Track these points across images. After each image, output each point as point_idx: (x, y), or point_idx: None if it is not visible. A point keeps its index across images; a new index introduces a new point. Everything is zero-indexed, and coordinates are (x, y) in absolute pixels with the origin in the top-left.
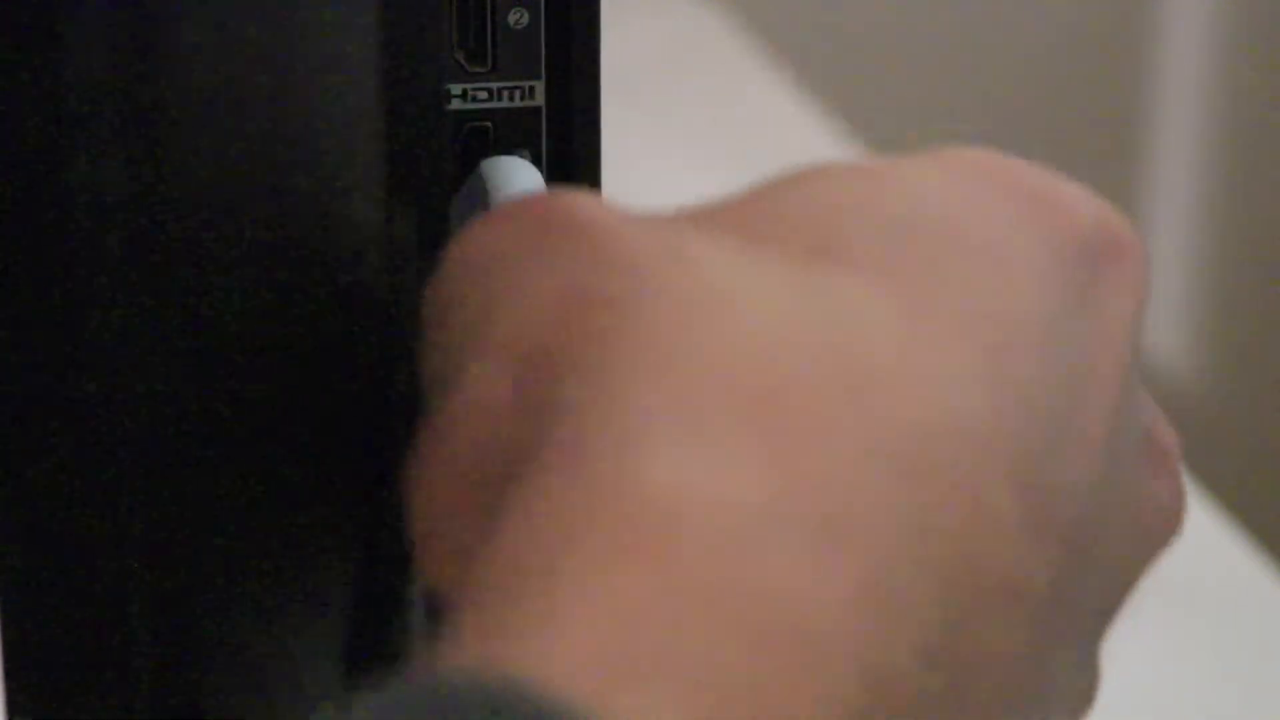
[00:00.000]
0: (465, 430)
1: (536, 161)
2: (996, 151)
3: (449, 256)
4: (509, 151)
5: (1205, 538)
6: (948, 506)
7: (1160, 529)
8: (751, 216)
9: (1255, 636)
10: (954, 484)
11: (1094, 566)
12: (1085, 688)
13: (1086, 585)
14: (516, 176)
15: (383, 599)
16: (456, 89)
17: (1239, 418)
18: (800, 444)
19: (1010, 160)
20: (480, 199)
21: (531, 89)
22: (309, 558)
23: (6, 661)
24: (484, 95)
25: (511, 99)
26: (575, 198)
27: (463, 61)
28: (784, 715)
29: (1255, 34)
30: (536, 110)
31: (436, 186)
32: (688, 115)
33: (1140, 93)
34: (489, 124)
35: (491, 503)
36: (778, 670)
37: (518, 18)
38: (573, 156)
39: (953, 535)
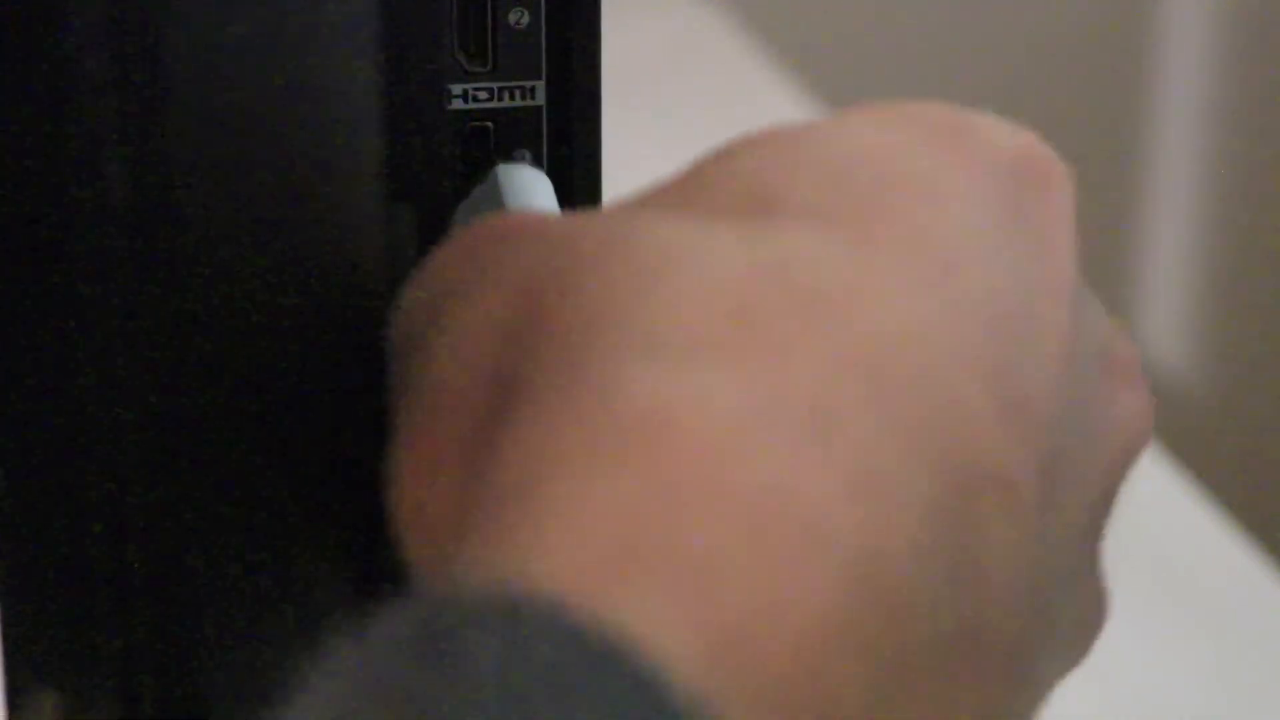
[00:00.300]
0: (446, 396)
1: (536, 161)
2: (911, 98)
3: (405, 296)
4: (510, 152)
5: (1205, 538)
6: (922, 405)
7: (1131, 439)
8: (689, 189)
9: (1255, 636)
10: (924, 385)
11: (1075, 473)
12: (1091, 612)
13: (1070, 490)
14: (533, 189)
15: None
16: (456, 89)
17: (1239, 418)
18: (773, 359)
19: (927, 103)
20: (494, 207)
21: (531, 89)
22: (309, 551)
23: (6, 656)
24: (484, 95)
25: (511, 99)
26: (520, 212)
27: (463, 61)
28: (782, 600)
29: (1255, 34)
30: (537, 110)
31: (436, 186)
32: (688, 115)
33: (1140, 93)
34: (489, 124)
35: (477, 464)
36: (775, 558)
37: (518, 18)
38: (573, 156)
39: (932, 429)
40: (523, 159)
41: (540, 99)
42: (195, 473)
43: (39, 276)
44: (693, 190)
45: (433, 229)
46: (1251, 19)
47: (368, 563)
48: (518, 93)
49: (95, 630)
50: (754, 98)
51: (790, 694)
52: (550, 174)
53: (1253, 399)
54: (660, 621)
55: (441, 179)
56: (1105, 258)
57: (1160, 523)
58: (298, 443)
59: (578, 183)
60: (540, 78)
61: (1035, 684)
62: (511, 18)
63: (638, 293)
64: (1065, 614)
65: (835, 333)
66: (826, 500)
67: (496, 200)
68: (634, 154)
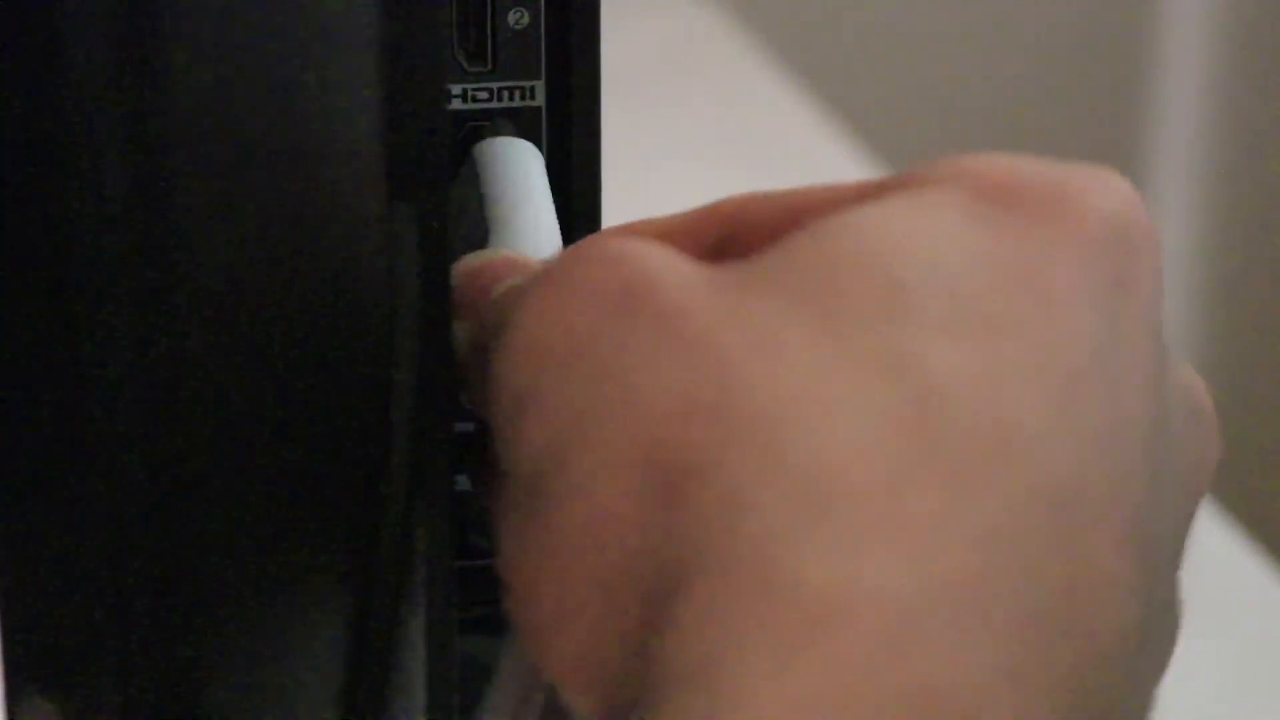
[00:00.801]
0: (593, 539)
1: None
2: (997, 154)
3: (519, 335)
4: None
5: (1205, 538)
6: (1070, 579)
7: (1204, 477)
8: (810, 280)
9: (1255, 637)
10: (1072, 556)
11: (1166, 529)
12: (1173, 628)
13: (1166, 547)
14: (513, 165)
15: (378, 612)
16: (456, 89)
17: (1239, 418)
18: (928, 525)
19: (1018, 166)
20: (474, 187)
21: (531, 89)
22: (310, 554)
23: (6, 663)
24: (484, 95)
25: (511, 99)
26: (645, 261)
27: (463, 61)
28: None
29: (1255, 34)
30: (536, 110)
31: (436, 186)
32: (687, 115)
33: (1140, 92)
34: (489, 124)
35: (629, 611)
36: None
37: (518, 18)
38: (573, 156)
39: (1073, 603)
40: (505, 130)
41: (540, 99)
42: (196, 475)
43: (38, 275)
44: (814, 282)
45: (433, 229)
46: (1252, 19)
47: (369, 565)
48: (518, 93)
49: (95, 636)
50: (754, 98)
51: None
52: (550, 174)
53: (1253, 399)
54: None
55: (441, 179)
56: None
57: None
58: (298, 444)
59: (577, 183)
60: (540, 78)
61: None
62: (511, 18)
63: (787, 446)
64: (1154, 649)
65: (987, 498)
66: (984, 691)
67: (475, 183)
68: (634, 154)
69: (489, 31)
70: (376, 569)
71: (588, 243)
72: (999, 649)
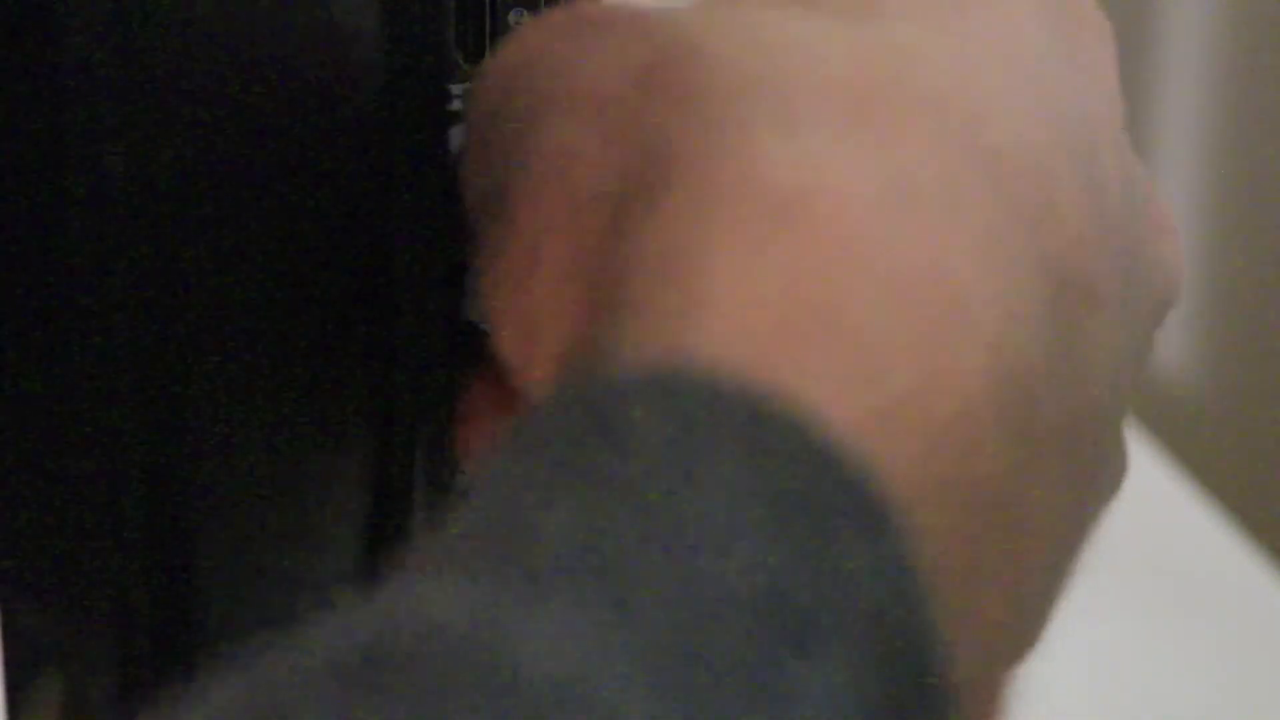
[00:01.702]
0: (559, 182)
1: None
2: None
3: (496, 63)
4: None
5: (1205, 537)
6: (1033, 196)
7: (1168, 283)
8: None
9: (1255, 636)
10: (1034, 178)
11: (1135, 311)
12: (1118, 456)
13: (1133, 326)
14: None
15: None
16: (457, 89)
17: (1239, 418)
18: (899, 143)
19: None
20: None
21: None
22: (315, 533)
23: (6, 643)
24: None
25: None
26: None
27: (462, 61)
28: (939, 375)
29: (1256, 33)
30: None
31: (436, 186)
32: None
33: (1140, 92)
34: None
35: (599, 253)
36: (929, 334)
37: (517, 18)
38: None
39: (1041, 222)
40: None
41: None
42: (195, 458)
43: (33, 262)
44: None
45: (433, 228)
46: (1252, 19)
47: (373, 548)
48: None
49: (95, 612)
50: None
51: (943, 469)
52: None
53: (1253, 399)
54: (824, 392)
55: (441, 179)
56: None
57: (1160, 523)
58: (299, 441)
59: None
60: None
61: (1098, 501)
62: (511, 18)
63: (768, 69)
64: (1117, 445)
65: (951, 117)
66: (967, 277)
67: None
68: None
69: (489, 32)
70: (384, 552)
71: None
72: (977, 242)
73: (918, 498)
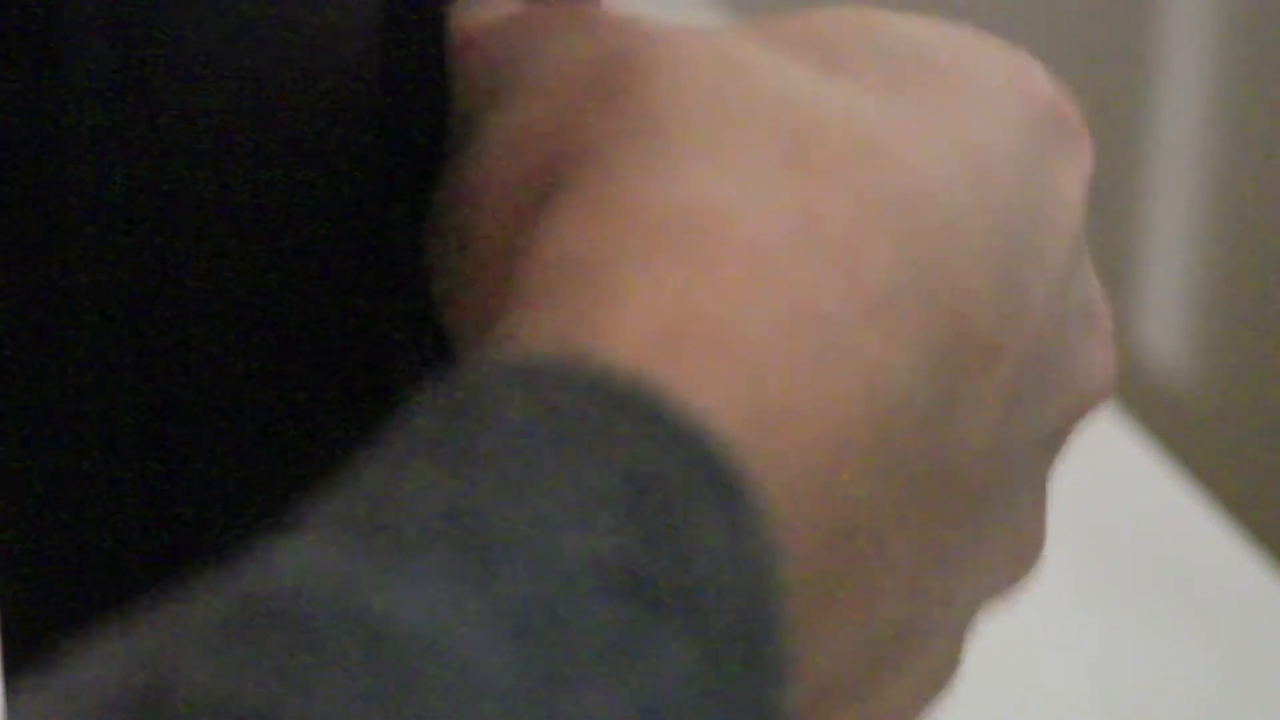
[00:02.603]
0: (508, 151)
1: None
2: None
3: (481, 32)
4: None
5: (1205, 537)
6: (938, 254)
7: (1094, 391)
8: (763, 31)
9: (1255, 636)
10: (942, 238)
11: (1043, 394)
12: (1027, 542)
13: (1036, 407)
14: None
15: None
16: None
17: (1239, 418)
18: (820, 184)
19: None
20: None
21: None
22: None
23: (6, 650)
24: None
25: None
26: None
27: None
28: (815, 395)
29: (1256, 33)
30: None
31: (435, 182)
32: None
33: (1140, 92)
34: None
35: (531, 224)
36: (809, 357)
37: None
38: None
39: (942, 279)
40: None
41: None
42: (194, 464)
43: (34, 262)
44: (769, 31)
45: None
46: (1252, 19)
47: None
48: None
49: (95, 612)
50: None
51: (811, 488)
52: None
53: (1253, 399)
54: (705, 395)
55: (440, 172)
56: (1105, 258)
57: (1161, 523)
58: (298, 444)
59: None
60: None
61: (980, 574)
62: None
63: (712, 94)
64: (1007, 522)
65: (875, 174)
66: (849, 321)
67: None
68: None
69: None
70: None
71: None
72: (866, 290)
73: (786, 510)
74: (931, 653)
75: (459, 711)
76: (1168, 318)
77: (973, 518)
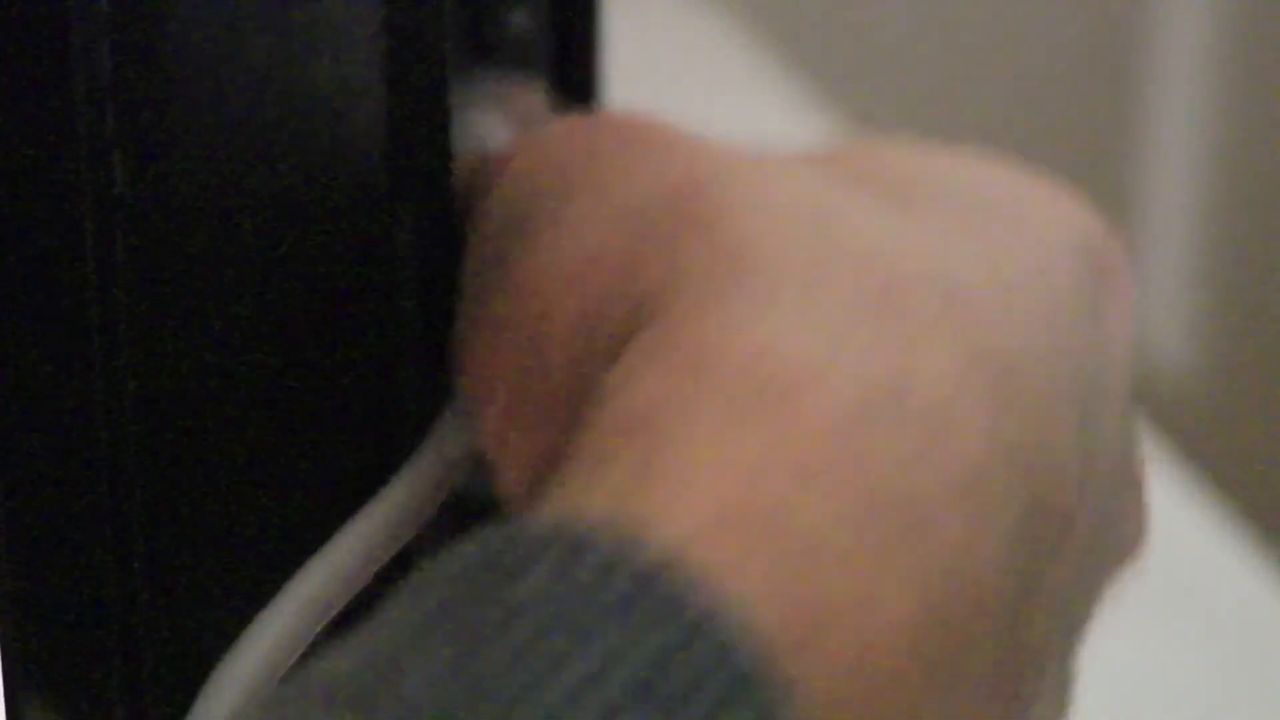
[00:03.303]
0: (574, 284)
1: None
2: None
3: (512, 165)
4: None
5: (1205, 536)
6: (1030, 425)
7: (1129, 547)
8: (838, 167)
9: (1255, 636)
10: (1035, 408)
11: (1096, 552)
12: (1068, 688)
13: (1093, 580)
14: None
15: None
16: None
17: (1239, 418)
18: (910, 339)
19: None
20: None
21: (531, 89)
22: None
23: (6, 675)
24: None
25: None
26: (643, 115)
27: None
28: (874, 593)
29: (1255, 33)
30: None
31: (436, 186)
32: (688, 115)
33: (1140, 92)
34: None
35: (581, 359)
36: (877, 549)
37: (518, 18)
38: None
39: (1033, 451)
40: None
41: None
42: (198, 480)
43: (39, 272)
44: (843, 167)
45: (433, 229)
46: (1251, 19)
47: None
48: None
49: (98, 651)
50: (753, 97)
51: (854, 689)
52: None
53: (1253, 399)
54: (753, 587)
55: (441, 179)
56: None
57: (1160, 523)
58: (301, 452)
59: None
60: (540, 78)
61: None
62: (511, 18)
63: (804, 239)
64: (1059, 685)
65: (967, 331)
66: (934, 500)
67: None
68: None
69: (489, 32)
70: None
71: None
72: (955, 467)
73: (825, 714)
74: None
75: None
76: (1168, 318)
77: (1022, 713)
